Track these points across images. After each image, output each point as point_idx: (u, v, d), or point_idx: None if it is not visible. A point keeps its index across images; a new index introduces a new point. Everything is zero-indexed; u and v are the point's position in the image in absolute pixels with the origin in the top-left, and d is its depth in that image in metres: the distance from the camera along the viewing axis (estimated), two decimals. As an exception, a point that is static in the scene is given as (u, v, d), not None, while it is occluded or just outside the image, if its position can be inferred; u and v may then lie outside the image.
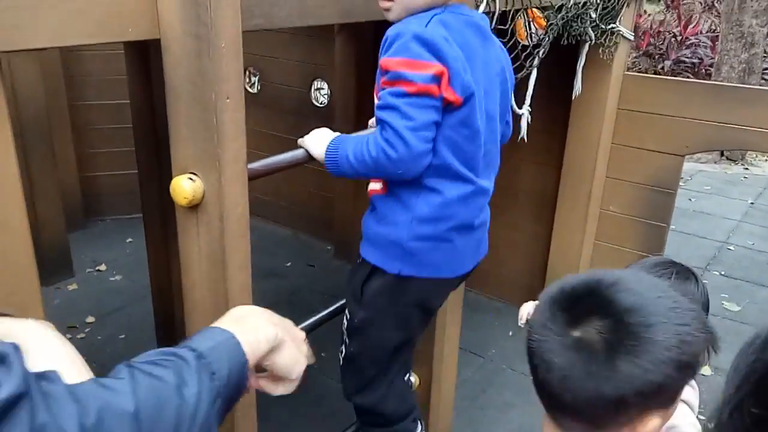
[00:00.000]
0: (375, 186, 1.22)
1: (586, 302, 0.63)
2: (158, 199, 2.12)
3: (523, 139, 2.07)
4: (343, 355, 1.30)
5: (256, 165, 1.03)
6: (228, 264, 1.00)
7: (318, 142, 1.15)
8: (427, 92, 1.05)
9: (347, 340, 1.28)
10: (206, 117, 0.92)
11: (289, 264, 3.37)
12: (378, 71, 1.11)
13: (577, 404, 0.62)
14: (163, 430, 0.52)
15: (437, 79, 1.05)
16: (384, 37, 1.08)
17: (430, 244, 1.19)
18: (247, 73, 3.81)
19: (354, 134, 1.15)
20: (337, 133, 1.16)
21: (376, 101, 1.14)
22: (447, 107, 1.09)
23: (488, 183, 1.25)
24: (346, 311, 1.28)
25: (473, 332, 2.91)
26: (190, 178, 0.95)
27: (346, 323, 1.28)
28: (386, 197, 1.19)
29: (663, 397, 0.62)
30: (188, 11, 0.88)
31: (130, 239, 3.61)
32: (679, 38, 6.66)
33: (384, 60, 1.07)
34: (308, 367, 0.72)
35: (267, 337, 0.65)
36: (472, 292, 3.21)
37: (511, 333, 3.04)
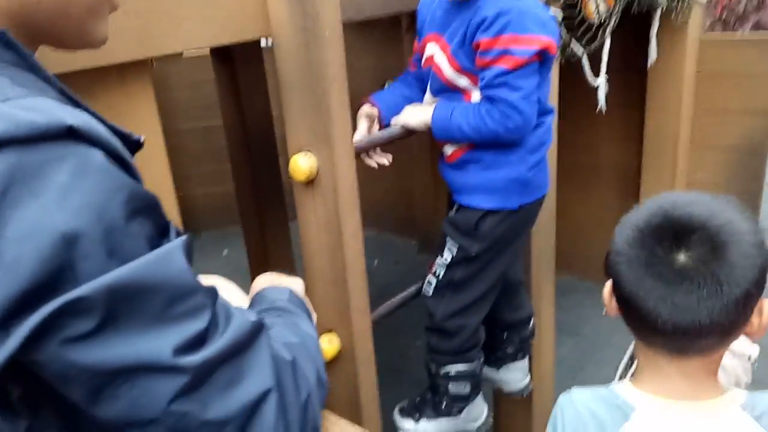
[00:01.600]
0: (452, 148, 1.33)
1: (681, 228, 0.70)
2: (255, 210, 2.28)
3: (601, 111, 2.09)
4: (435, 284, 1.39)
5: (359, 140, 1.14)
6: (343, 232, 1.11)
7: (417, 113, 1.27)
8: (531, 62, 1.15)
9: (446, 272, 1.37)
10: (316, 101, 1.04)
11: (376, 262, 3.50)
12: (461, 47, 1.20)
13: (713, 319, 0.68)
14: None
15: (542, 51, 1.15)
16: (481, 18, 1.15)
17: (539, 168, 1.33)
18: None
19: (456, 102, 1.25)
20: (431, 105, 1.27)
21: (449, 74, 1.24)
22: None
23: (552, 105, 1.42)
24: (448, 246, 1.37)
25: (566, 314, 2.93)
26: (306, 156, 1.07)
27: (450, 256, 1.36)
28: (484, 148, 1.29)
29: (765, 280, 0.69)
30: (295, 8, 1.00)
31: (225, 251, 3.85)
32: (756, 1, 6.36)
33: (487, 40, 1.15)
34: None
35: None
36: (561, 274, 3.22)
37: (604, 311, 3.02)
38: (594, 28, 1.91)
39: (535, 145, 1.30)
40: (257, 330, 0.54)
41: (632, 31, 2.41)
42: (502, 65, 1.14)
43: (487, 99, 1.18)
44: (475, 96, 1.23)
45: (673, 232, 0.70)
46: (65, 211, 0.42)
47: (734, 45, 2.60)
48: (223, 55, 2.17)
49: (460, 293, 1.36)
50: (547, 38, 1.15)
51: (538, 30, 1.14)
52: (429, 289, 1.40)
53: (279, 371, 0.54)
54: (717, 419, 0.73)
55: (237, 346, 0.51)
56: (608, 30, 2.00)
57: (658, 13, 2.31)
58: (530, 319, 1.65)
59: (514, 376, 1.65)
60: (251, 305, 0.73)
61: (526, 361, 1.67)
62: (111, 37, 0.61)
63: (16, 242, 0.41)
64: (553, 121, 1.38)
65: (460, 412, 1.50)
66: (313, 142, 1.07)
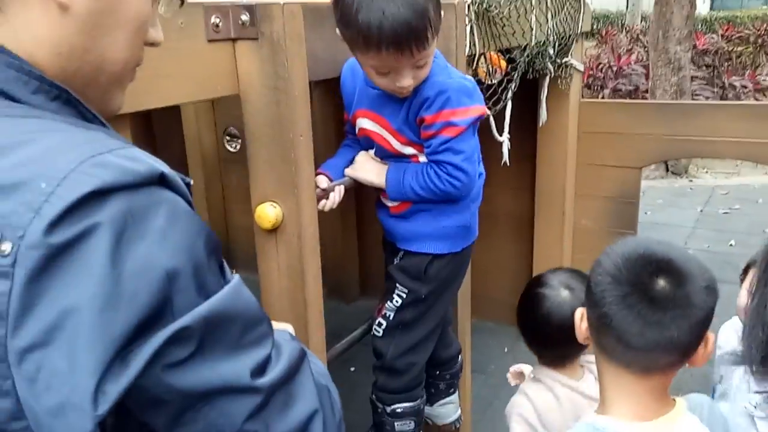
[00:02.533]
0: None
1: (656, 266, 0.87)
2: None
3: (506, 163, 2.33)
4: (386, 326, 1.49)
5: (319, 190, 1.23)
6: (305, 276, 1.18)
7: (371, 171, 1.39)
8: (468, 128, 1.31)
9: (396, 314, 1.47)
10: (284, 153, 1.12)
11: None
12: (405, 123, 1.34)
13: (680, 336, 0.84)
14: None
15: (477, 118, 1.33)
16: (423, 98, 1.28)
17: (475, 214, 1.49)
18: (226, 137, 4.02)
19: (405, 163, 1.38)
20: (384, 164, 1.40)
21: (396, 146, 1.38)
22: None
23: None
24: (397, 291, 1.47)
25: (472, 353, 3.10)
26: (272, 205, 1.15)
27: (400, 300, 1.47)
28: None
29: None
30: (267, 69, 1.09)
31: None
32: (614, 69, 7.22)
33: (431, 116, 1.29)
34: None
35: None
36: (465, 316, 3.41)
37: (506, 349, 3.24)
38: (500, 91, 2.15)
39: (475, 194, 1.45)
40: (303, 356, 0.61)
41: (524, 95, 2.70)
42: (445, 135, 1.29)
43: (435, 162, 1.32)
44: (422, 159, 1.38)
45: (655, 263, 0.86)
46: (166, 251, 0.47)
47: (607, 108, 2.99)
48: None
49: (409, 333, 1.46)
50: (479, 107, 1.34)
51: (471, 101, 1.31)
52: (379, 330, 1.48)
53: (320, 394, 0.61)
54: (680, 426, 0.89)
55: (291, 370, 0.58)
56: (509, 94, 2.25)
57: (547, 80, 2.63)
58: (459, 355, 1.78)
59: (447, 410, 1.75)
60: None
61: (456, 394, 1.79)
62: None
63: (133, 278, 0.45)
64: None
65: None
66: (279, 192, 1.15)
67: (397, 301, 1.45)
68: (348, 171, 1.39)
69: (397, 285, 1.46)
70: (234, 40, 1.10)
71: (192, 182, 0.64)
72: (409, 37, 1.12)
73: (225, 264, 0.58)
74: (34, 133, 0.49)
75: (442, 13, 1.21)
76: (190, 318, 0.48)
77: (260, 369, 0.54)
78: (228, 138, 4.05)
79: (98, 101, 0.62)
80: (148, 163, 0.50)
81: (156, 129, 2.31)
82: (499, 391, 2.87)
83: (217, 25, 1.07)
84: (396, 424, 1.54)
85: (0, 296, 0.43)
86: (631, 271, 0.87)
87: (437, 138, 1.30)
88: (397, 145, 1.37)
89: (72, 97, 0.57)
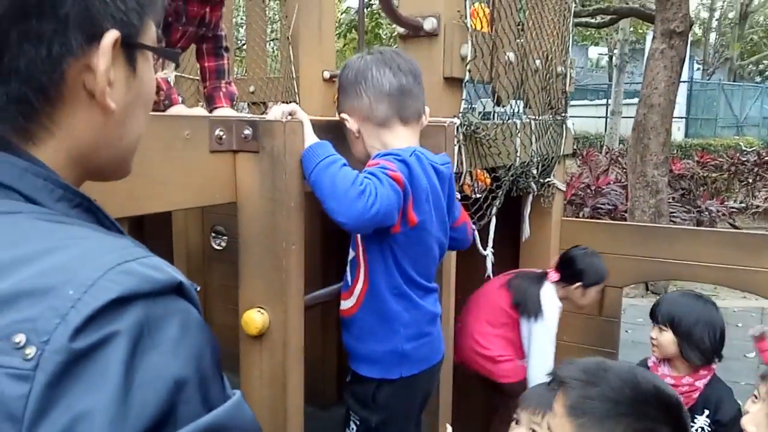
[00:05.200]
0: (347, 305, 1.40)
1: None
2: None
3: (489, 276, 2.36)
4: None
5: (308, 298, 1.25)
6: (288, 386, 1.17)
7: (309, 134, 1.24)
8: (397, 181, 1.24)
9: None
10: (276, 261, 1.15)
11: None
12: None
13: None
14: None
15: (404, 192, 1.27)
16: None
17: (419, 342, 1.39)
18: (213, 234, 4.06)
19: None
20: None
21: None
22: (406, 227, 1.31)
23: (437, 284, 1.52)
24: (351, 417, 1.43)
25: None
26: (260, 312, 1.15)
27: (354, 427, 1.42)
28: (366, 314, 1.37)
29: None
30: (266, 181, 1.14)
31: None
32: (593, 188, 7.49)
33: (370, 162, 1.29)
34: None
35: None
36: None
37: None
38: (485, 207, 2.23)
39: (408, 320, 1.36)
40: None
41: (508, 211, 2.79)
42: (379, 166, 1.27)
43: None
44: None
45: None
46: (177, 361, 0.48)
47: (589, 228, 3.08)
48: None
49: None
50: (409, 188, 1.29)
51: (405, 176, 1.29)
52: None
53: None
54: None
55: None
56: (494, 210, 2.33)
57: (530, 198, 2.73)
58: None
59: None
60: None
61: None
62: (104, 196, 0.69)
63: (144, 387, 0.46)
64: (436, 297, 1.47)
65: None
66: (268, 298, 1.16)
67: (352, 428, 1.42)
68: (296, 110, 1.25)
69: (350, 413, 1.42)
70: (235, 152, 1.15)
71: (199, 288, 0.66)
72: None
73: (225, 378, 0.59)
74: (68, 239, 0.52)
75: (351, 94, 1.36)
76: (191, 428, 0.48)
77: None
78: (214, 235, 4.08)
79: (119, 168, 0.68)
80: (168, 272, 0.52)
81: (146, 222, 2.34)
82: None
83: (221, 138, 1.12)
84: None
85: (18, 399, 0.43)
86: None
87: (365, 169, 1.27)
88: None
89: (93, 206, 0.61)
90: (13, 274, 0.47)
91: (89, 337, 0.45)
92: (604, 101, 17.22)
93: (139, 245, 0.56)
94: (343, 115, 1.36)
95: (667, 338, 2.07)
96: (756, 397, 1.42)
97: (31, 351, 0.44)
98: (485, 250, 2.33)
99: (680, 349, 2.04)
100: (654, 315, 2.15)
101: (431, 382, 1.52)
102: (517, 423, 1.56)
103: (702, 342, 2.01)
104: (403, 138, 1.37)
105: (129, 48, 0.61)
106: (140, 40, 0.62)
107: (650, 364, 2.21)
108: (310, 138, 1.21)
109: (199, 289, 0.63)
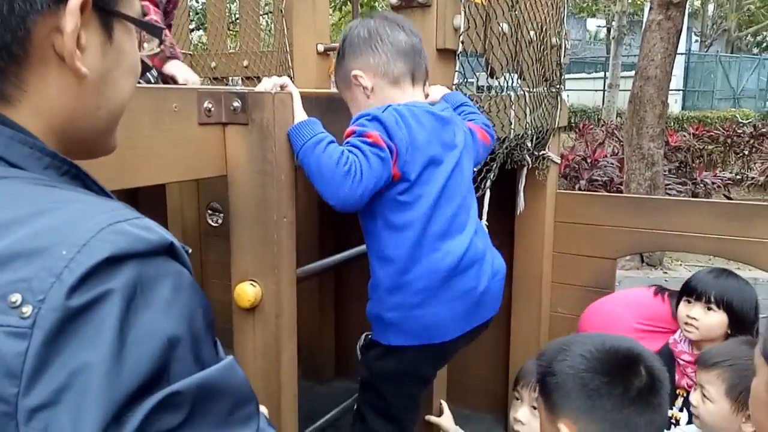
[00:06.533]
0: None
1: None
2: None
3: (483, 250, 2.37)
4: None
5: (300, 271, 1.25)
6: (281, 357, 1.18)
7: (298, 109, 1.24)
8: (378, 143, 1.23)
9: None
10: (267, 234, 1.15)
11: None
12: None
13: None
14: None
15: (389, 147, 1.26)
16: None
17: (406, 313, 1.32)
18: (209, 211, 4.05)
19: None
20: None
21: None
22: (395, 181, 1.28)
23: (460, 245, 1.37)
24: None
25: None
26: (252, 284, 1.16)
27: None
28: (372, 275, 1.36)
29: None
30: (256, 153, 1.13)
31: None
32: (589, 161, 7.48)
33: (347, 130, 1.29)
34: None
35: None
36: (440, 402, 3.35)
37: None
38: (479, 179, 2.23)
39: (390, 286, 1.31)
40: None
41: (502, 184, 2.79)
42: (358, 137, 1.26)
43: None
44: None
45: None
46: (169, 320, 0.49)
47: (583, 200, 3.08)
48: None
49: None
50: (392, 144, 1.26)
51: (384, 135, 1.27)
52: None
53: None
54: None
55: None
56: (488, 183, 2.33)
57: (525, 171, 2.73)
58: None
59: None
60: None
61: None
62: (95, 169, 0.68)
63: (137, 343, 0.47)
64: (421, 275, 1.31)
65: None
66: (260, 271, 1.17)
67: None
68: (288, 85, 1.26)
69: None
70: (225, 124, 1.14)
71: (191, 251, 0.66)
72: None
73: (218, 342, 0.60)
74: (58, 202, 0.52)
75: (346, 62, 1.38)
76: (183, 384, 0.49)
77: None
78: (210, 212, 4.08)
79: (104, 144, 0.69)
80: (159, 233, 0.53)
81: (140, 198, 2.34)
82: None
83: (209, 110, 1.12)
84: None
85: (17, 356, 0.44)
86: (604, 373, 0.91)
87: (345, 142, 1.27)
88: None
89: (81, 172, 0.61)
90: (6, 235, 0.48)
91: (84, 295, 0.46)
92: (602, 74, 17.10)
93: (130, 207, 0.56)
94: (356, 72, 1.35)
95: (716, 319, 1.90)
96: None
97: (27, 309, 0.45)
98: (481, 220, 2.33)
99: (728, 331, 1.88)
100: (696, 293, 1.95)
101: (426, 363, 1.47)
102: (518, 400, 1.58)
103: (752, 324, 1.88)
104: (409, 97, 1.38)
105: (104, 14, 0.60)
106: (118, 9, 0.62)
107: (671, 341, 2.06)
108: (299, 114, 1.21)
109: (190, 251, 0.64)
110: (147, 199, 3.17)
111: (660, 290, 2.42)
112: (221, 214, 4.01)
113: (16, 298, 0.45)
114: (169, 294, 0.50)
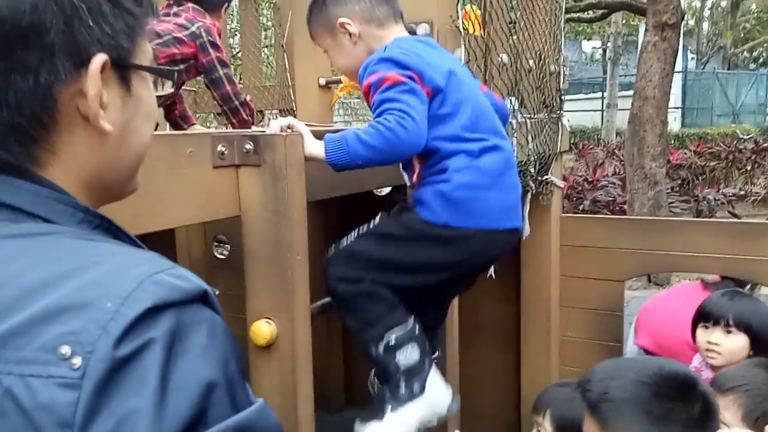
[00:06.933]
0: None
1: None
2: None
3: (491, 275, 2.38)
4: (341, 246, 1.40)
5: (313, 307, 1.27)
6: (298, 394, 1.19)
7: (311, 141, 1.25)
8: (398, 81, 1.28)
9: (354, 236, 1.41)
10: (281, 272, 1.17)
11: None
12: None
13: None
14: None
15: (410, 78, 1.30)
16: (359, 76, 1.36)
17: (469, 189, 1.35)
18: (215, 243, 4.07)
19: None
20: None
21: None
22: (429, 99, 1.33)
23: (507, 143, 1.48)
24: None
25: (460, 469, 3.00)
26: (267, 322, 1.17)
27: (365, 228, 1.42)
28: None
29: None
30: (269, 193, 1.16)
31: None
32: (591, 182, 7.51)
33: (363, 86, 1.33)
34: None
35: None
36: (452, 430, 3.32)
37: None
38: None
39: (459, 167, 1.34)
40: None
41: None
42: (380, 87, 1.29)
43: (378, 118, 1.27)
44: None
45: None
46: (206, 366, 0.51)
47: (588, 223, 3.10)
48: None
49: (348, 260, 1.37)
50: (410, 71, 1.31)
51: (399, 69, 1.31)
52: (331, 249, 1.42)
53: None
54: None
55: None
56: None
57: (529, 196, 2.75)
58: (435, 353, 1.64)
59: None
60: None
61: None
62: (113, 214, 0.69)
63: (178, 389, 0.49)
64: (487, 162, 1.37)
65: (422, 390, 1.38)
66: (275, 309, 1.18)
67: (360, 231, 1.42)
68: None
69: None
70: (238, 166, 1.17)
71: (218, 293, 0.68)
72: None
73: (248, 384, 0.61)
74: (100, 256, 0.55)
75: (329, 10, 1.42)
76: (221, 428, 0.50)
77: None
78: (216, 244, 4.11)
79: (129, 187, 0.72)
80: (194, 281, 0.55)
81: (149, 235, 2.36)
82: None
83: (223, 153, 1.14)
84: (398, 356, 1.35)
85: (68, 406, 0.46)
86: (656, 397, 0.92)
87: (373, 103, 1.29)
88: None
89: (112, 225, 0.64)
90: (54, 290, 0.50)
91: (129, 345, 0.48)
92: (599, 94, 17.24)
93: (164, 257, 0.59)
94: (343, 19, 1.40)
95: (738, 342, 1.86)
96: None
97: (77, 361, 0.47)
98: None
99: (750, 353, 1.83)
100: (713, 317, 1.91)
101: (473, 254, 1.43)
102: (539, 426, 1.57)
103: None
104: (396, 35, 1.42)
105: (121, 69, 0.63)
106: (133, 61, 0.64)
107: (692, 368, 1.96)
108: (315, 143, 1.24)
109: (218, 293, 0.66)
110: (155, 236, 3.19)
111: (706, 284, 2.41)
112: (227, 246, 4.04)
113: (66, 350, 0.47)
114: (204, 340, 0.52)
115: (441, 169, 1.36)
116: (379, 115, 1.27)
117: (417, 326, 1.39)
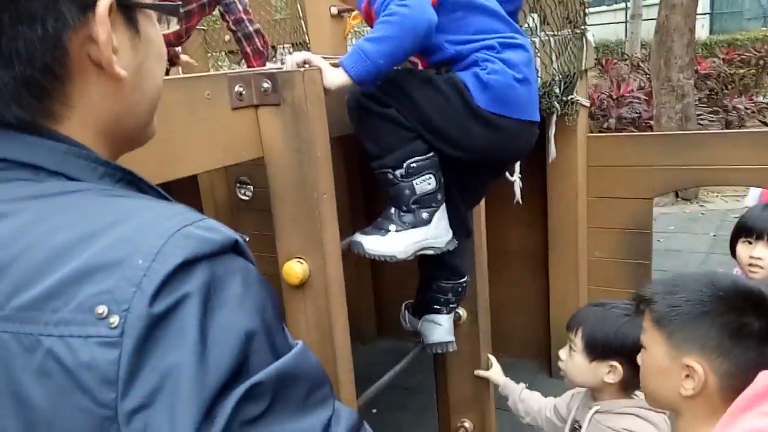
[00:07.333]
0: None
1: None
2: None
3: (518, 201, 2.36)
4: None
5: (343, 244, 1.27)
6: (334, 329, 1.21)
7: (330, 71, 1.23)
8: None
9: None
10: (309, 211, 1.16)
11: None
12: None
13: None
14: None
15: None
16: None
17: (502, 78, 1.35)
18: (238, 185, 4.09)
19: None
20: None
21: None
22: (436, 7, 1.31)
23: (526, 40, 1.47)
24: None
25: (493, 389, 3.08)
26: (299, 262, 1.18)
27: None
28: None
29: None
30: (290, 133, 1.14)
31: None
32: (615, 98, 7.30)
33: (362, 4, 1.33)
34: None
35: None
36: (484, 353, 3.40)
37: (526, 385, 3.22)
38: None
39: (493, 55, 1.36)
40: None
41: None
42: None
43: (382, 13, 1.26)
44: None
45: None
46: (243, 315, 0.51)
47: (615, 142, 3.03)
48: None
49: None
50: None
51: None
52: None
53: None
54: None
55: None
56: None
57: (554, 117, 2.68)
58: (466, 277, 1.72)
59: (431, 329, 1.70)
60: None
61: (447, 318, 1.73)
62: (136, 165, 0.69)
63: (217, 341, 0.49)
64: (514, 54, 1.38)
65: (429, 220, 1.41)
66: (305, 248, 1.19)
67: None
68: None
69: None
70: (257, 106, 1.15)
71: (248, 239, 0.68)
72: None
73: (286, 328, 0.62)
74: (127, 211, 0.54)
75: None
76: (263, 375, 0.51)
77: (324, 430, 0.56)
78: (239, 185, 4.12)
79: (147, 133, 0.70)
80: (224, 232, 0.55)
81: (173, 183, 2.37)
82: (524, 428, 2.85)
83: (241, 94, 1.12)
84: (415, 181, 1.37)
85: (110, 364, 0.47)
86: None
87: (376, 11, 1.28)
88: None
89: (135, 177, 0.63)
90: (84, 250, 0.50)
91: (164, 302, 0.48)
92: (622, 5, 16.49)
93: (192, 209, 0.58)
94: None
95: None
96: None
97: (114, 320, 0.48)
98: (512, 176, 2.32)
99: None
100: (756, 232, 1.82)
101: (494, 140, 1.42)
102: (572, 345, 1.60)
103: None
104: None
105: (126, 10, 0.61)
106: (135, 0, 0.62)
107: None
108: (335, 72, 1.21)
109: (248, 239, 0.65)
110: (179, 182, 3.21)
111: None
112: (250, 187, 4.05)
113: (102, 309, 0.48)
114: (240, 290, 0.52)
115: (472, 62, 1.36)
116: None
117: (436, 159, 1.40)
